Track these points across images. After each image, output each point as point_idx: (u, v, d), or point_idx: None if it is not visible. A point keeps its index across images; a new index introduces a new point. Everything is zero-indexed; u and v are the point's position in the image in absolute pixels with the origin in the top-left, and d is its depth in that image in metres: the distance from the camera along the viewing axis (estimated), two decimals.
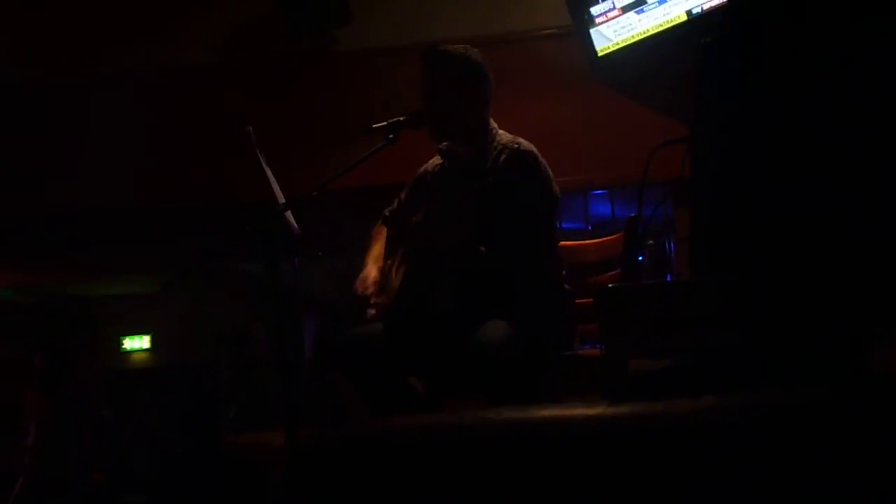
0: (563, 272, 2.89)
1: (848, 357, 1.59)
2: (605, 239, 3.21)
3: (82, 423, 6.31)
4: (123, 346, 10.89)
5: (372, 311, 2.77)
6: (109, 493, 6.35)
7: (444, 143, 2.91)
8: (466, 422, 1.40)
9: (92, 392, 8.52)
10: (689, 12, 2.35)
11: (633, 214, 2.45)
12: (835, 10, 1.77)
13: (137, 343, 10.92)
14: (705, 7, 2.31)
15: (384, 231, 2.99)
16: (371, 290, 2.80)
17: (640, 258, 3.43)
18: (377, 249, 2.95)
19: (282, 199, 2.56)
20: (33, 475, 5.89)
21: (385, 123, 2.70)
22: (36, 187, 5.12)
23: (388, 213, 3.03)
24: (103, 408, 7.78)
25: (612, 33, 2.54)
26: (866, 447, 1.32)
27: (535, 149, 2.80)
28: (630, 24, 2.50)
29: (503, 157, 2.77)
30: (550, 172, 2.80)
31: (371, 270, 2.87)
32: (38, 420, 6.03)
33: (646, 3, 2.46)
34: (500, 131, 2.86)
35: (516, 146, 2.78)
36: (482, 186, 2.74)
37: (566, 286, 2.86)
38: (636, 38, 2.48)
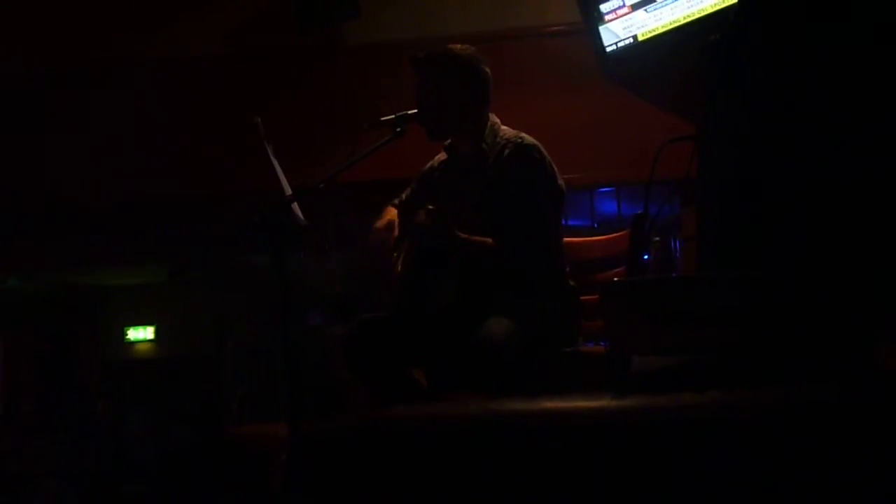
0: (568, 269, 2.89)
1: (855, 354, 1.59)
2: (610, 236, 3.21)
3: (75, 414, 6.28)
4: (127, 337, 10.92)
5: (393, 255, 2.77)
6: (112, 483, 6.35)
7: (447, 141, 2.91)
8: (470, 412, 1.40)
9: (92, 383, 8.53)
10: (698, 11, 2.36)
11: (639, 212, 2.44)
12: (843, 11, 1.77)
13: (142, 333, 10.94)
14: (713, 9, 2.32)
15: (394, 210, 2.98)
16: (392, 230, 2.79)
17: (646, 256, 3.43)
18: (392, 212, 2.92)
19: (289, 191, 2.57)
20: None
21: (393, 116, 2.70)
22: (42, 178, 5.13)
23: (397, 203, 3.03)
24: (98, 399, 7.77)
25: (621, 30, 2.54)
26: (873, 444, 1.33)
27: (538, 143, 2.80)
28: (639, 22, 2.50)
29: (507, 151, 2.77)
30: (555, 167, 2.79)
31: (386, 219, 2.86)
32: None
33: (655, 0, 2.47)
34: (504, 127, 2.85)
35: (520, 140, 2.78)
36: (487, 181, 2.74)
37: (571, 282, 2.86)
38: (645, 36, 2.49)
